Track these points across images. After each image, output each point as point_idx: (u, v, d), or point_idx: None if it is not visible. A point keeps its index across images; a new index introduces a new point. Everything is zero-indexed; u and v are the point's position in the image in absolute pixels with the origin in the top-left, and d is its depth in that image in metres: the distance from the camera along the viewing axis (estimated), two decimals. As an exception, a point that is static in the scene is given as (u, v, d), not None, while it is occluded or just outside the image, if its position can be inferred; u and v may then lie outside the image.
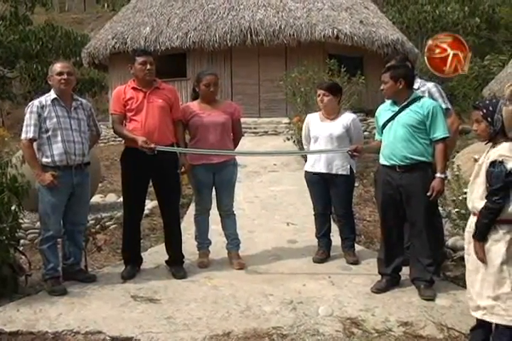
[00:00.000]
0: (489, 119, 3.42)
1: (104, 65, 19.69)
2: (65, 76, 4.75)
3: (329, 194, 5.38)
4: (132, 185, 5.06)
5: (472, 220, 3.52)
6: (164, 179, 5.05)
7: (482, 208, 3.36)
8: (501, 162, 3.28)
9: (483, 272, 3.39)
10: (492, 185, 3.31)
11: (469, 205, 3.56)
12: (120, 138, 5.57)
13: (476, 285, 3.45)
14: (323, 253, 5.45)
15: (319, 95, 5.32)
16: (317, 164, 5.35)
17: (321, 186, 5.38)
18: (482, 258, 3.36)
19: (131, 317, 4.13)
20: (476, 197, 3.45)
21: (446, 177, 4.44)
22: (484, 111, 3.45)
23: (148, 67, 4.95)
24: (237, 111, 5.43)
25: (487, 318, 3.41)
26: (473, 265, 3.48)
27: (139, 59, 4.94)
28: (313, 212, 5.58)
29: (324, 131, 5.30)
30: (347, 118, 5.35)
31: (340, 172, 5.27)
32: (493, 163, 3.32)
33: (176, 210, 5.28)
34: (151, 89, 5.00)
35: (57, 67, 4.79)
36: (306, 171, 5.53)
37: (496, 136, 3.43)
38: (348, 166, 5.30)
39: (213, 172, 5.27)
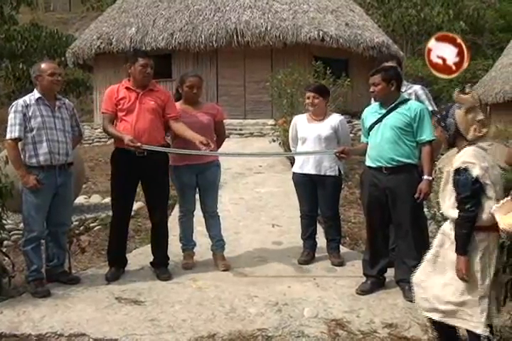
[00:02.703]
0: (442, 124, 3.40)
1: (89, 66, 19.58)
2: (58, 77, 4.77)
3: (316, 196, 5.39)
4: (121, 186, 5.04)
5: (447, 224, 3.46)
6: (154, 180, 5.02)
7: (457, 219, 3.26)
8: (465, 169, 3.20)
9: (451, 277, 3.31)
10: (460, 194, 3.22)
11: (444, 213, 3.49)
12: (105, 139, 5.56)
13: (436, 288, 3.38)
14: (309, 255, 5.45)
15: (308, 97, 5.33)
16: (306, 165, 5.35)
17: (309, 188, 5.39)
18: (464, 276, 3.22)
19: (116, 319, 4.10)
20: (449, 206, 3.36)
21: (433, 179, 4.46)
22: (438, 116, 3.44)
23: (148, 70, 4.93)
24: (219, 113, 5.41)
25: (448, 321, 3.35)
26: (441, 268, 3.40)
27: (141, 61, 4.91)
28: (299, 214, 5.58)
29: (312, 132, 5.31)
30: (335, 119, 5.36)
31: (328, 174, 5.28)
32: (457, 171, 3.24)
33: (165, 211, 5.27)
34: (145, 91, 4.98)
35: (49, 67, 4.77)
36: (294, 173, 5.54)
37: (455, 141, 3.39)
38: (337, 167, 5.31)
39: (197, 174, 5.25)
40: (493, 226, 3.21)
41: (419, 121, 4.41)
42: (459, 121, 3.31)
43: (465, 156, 3.25)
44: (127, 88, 4.98)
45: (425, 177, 4.38)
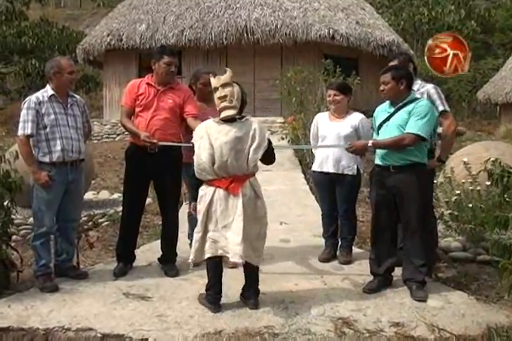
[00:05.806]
0: None
1: (99, 62, 19.64)
2: (76, 75, 4.81)
3: (335, 194, 5.37)
4: (133, 181, 5.05)
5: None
6: (166, 176, 5.01)
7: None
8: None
9: None
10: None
11: None
12: (114, 135, 5.56)
13: None
14: (329, 253, 5.41)
15: (329, 95, 5.31)
16: (325, 164, 5.34)
17: (328, 186, 5.37)
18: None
19: (123, 314, 4.12)
20: None
21: (370, 146, 4.43)
22: None
23: (172, 68, 4.93)
24: None
25: None
26: None
27: (166, 58, 4.90)
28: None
29: (332, 130, 5.30)
30: (355, 118, 5.34)
31: (346, 172, 5.26)
32: None
33: (176, 208, 5.26)
34: (165, 88, 4.97)
35: (69, 65, 4.78)
36: (313, 171, 5.53)
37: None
38: (355, 166, 5.29)
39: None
40: (212, 182, 4.16)
41: (413, 115, 4.34)
42: None
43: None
44: (148, 84, 4.97)
45: (370, 142, 4.43)
